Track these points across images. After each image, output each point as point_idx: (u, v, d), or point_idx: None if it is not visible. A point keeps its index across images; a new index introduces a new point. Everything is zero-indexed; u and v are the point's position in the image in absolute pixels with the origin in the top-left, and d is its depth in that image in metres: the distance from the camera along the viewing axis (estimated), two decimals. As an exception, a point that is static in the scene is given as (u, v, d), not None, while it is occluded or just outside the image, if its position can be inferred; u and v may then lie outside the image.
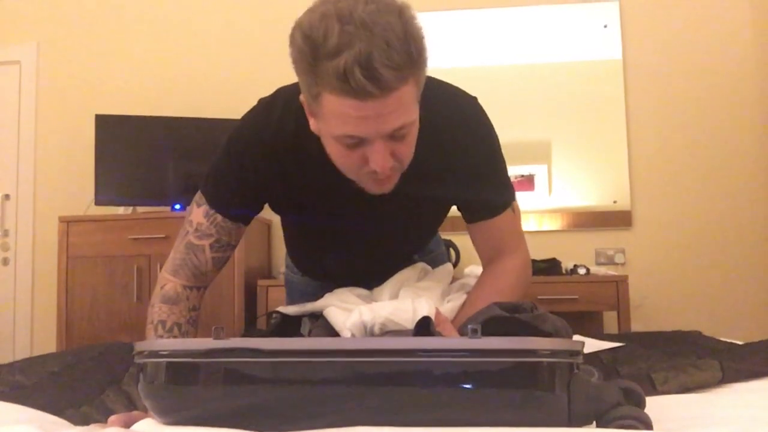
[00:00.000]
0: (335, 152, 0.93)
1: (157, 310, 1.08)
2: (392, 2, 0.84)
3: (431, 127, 1.04)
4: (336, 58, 0.78)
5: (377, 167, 0.89)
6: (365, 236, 1.19)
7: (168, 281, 1.11)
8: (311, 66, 0.82)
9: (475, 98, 1.12)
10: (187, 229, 1.11)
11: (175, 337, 1.05)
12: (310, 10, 0.83)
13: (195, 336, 1.09)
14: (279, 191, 1.11)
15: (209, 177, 1.11)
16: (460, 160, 1.08)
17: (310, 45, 0.81)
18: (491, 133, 1.11)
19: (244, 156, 1.06)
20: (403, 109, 0.86)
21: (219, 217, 1.09)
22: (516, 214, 1.17)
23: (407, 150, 0.94)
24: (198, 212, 1.11)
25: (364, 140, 0.88)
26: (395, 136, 0.89)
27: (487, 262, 1.18)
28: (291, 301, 1.48)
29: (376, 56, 0.78)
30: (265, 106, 1.08)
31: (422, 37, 0.85)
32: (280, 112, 1.04)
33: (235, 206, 1.10)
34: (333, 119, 0.86)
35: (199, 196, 1.12)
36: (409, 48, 0.81)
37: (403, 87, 0.83)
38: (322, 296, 1.17)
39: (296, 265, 1.44)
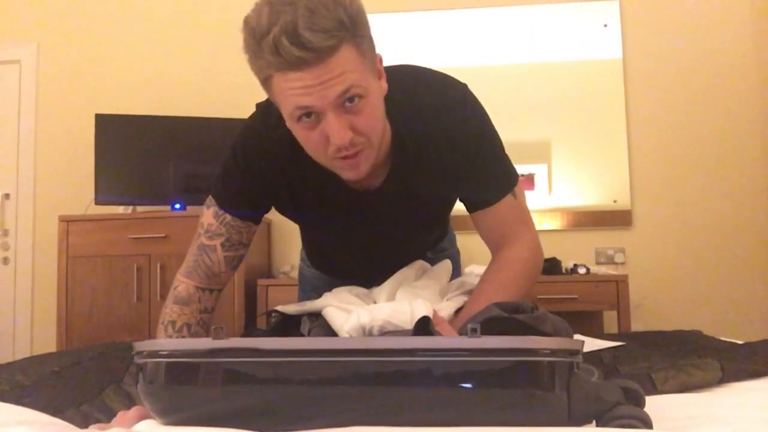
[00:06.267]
0: (301, 138, 0.95)
1: (168, 311, 1.10)
2: None
3: (418, 117, 1.04)
4: (268, 35, 0.82)
5: (335, 139, 0.89)
6: (368, 235, 1.19)
7: (181, 282, 1.13)
8: (254, 51, 0.86)
9: (464, 85, 1.09)
10: (198, 231, 1.14)
11: (183, 337, 1.05)
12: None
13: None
14: (283, 194, 1.12)
15: (218, 179, 1.13)
16: (450, 149, 1.06)
17: (250, 32, 0.85)
18: (481, 118, 1.09)
19: (248, 160, 1.08)
20: (347, 74, 0.86)
21: (228, 217, 1.11)
22: (519, 199, 1.13)
23: (368, 121, 0.92)
24: (208, 214, 1.13)
25: (319, 115, 0.89)
26: (349, 107, 0.89)
27: (495, 251, 1.15)
28: (303, 293, 1.52)
29: (301, 23, 0.81)
30: (261, 112, 1.09)
31: (356, 6, 0.87)
32: (276, 116, 1.03)
33: (243, 206, 1.12)
34: (283, 98, 0.89)
35: (209, 199, 1.14)
36: (337, 14, 0.84)
37: (338, 51, 0.85)
38: (332, 290, 1.18)
39: (309, 260, 1.48)
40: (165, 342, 0.67)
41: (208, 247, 1.12)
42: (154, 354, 0.66)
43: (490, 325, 0.89)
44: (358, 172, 0.97)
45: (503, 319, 0.91)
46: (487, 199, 1.12)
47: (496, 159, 1.12)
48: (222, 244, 1.12)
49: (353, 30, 0.86)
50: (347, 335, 0.96)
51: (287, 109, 0.91)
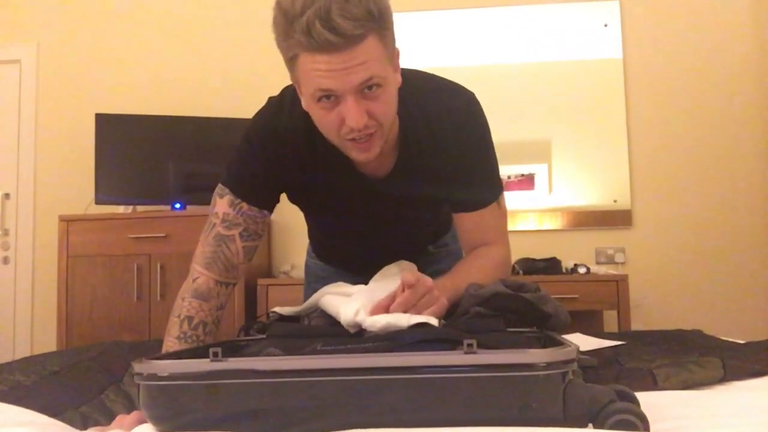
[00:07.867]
0: (317, 117, 0.99)
1: (186, 305, 1.08)
2: None
3: (425, 118, 1.09)
4: (302, 17, 0.87)
5: (352, 122, 0.94)
6: (372, 222, 1.22)
7: (201, 274, 1.11)
8: (285, 31, 0.90)
9: (471, 93, 1.14)
10: (213, 221, 1.13)
11: (198, 336, 1.06)
12: None
13: (217, 336, 1.10)
14: (296, 179, 1.15)
15: (231, 167, 1.14)
16: (449, 151, 1.11)
17: (282, 12, 0.90)
18: (482, 128, 1.14)
19: (264, 145, 1.11)
20: (370, 63, 0.91)
21: (245, 205, 1.12)
22: (501, 210, 1.20)
23: (383, 109, 0.97)
24: (222, 203, 1.13)
25: (339, 98, 0.93)
26: (367, 94, 0.94)
27: (470, 251, 1.22)
28: (308, 284, 1.54)
29: (334, 9, 0.86)
30: (275, 103, 1.13)
31: (385, 1, 0.93)
32: (289, 107, 1.08)
33: (259, 193, 1.13)
34: (307, 78, 0.93)
35: (220, 188, 1.14)
36: (368, 5, 0.89)
37: (365, 41, 0.90)
38: (334, 281, 1.18)
39: (314, 251, 1.51)
40: (164, 364, 0.68)
41: (227, 237, 1.11)
42: (152, 377, 0.66)
43: (496, 299, 0.95)
44: (369, 154, 1.02)
45: (509, 296, 0.95)
46: (475, 203, 1.17)
47: (490, 167, 1.18)
48: (240, 234, 1.12)
49: (380, 22, 0.91)
50: (345, 321, 0.96)
51: (309, 89, 0.95)
